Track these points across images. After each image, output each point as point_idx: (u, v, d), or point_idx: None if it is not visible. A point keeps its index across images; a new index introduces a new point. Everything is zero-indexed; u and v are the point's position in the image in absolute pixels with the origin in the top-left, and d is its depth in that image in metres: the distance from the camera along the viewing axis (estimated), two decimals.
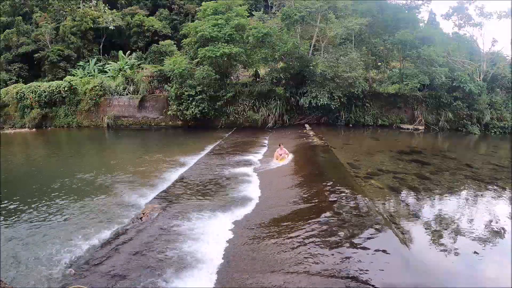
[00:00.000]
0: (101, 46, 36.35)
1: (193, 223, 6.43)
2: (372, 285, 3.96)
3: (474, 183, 9.69)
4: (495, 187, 9.35)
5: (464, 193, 8.98)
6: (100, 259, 5.19)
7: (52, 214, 7.47)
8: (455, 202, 8.08)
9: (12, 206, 8.04)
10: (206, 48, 21.06)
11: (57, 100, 25.83)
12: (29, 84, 27.21)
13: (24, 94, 26.29)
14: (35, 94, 25.91)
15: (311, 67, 21.38)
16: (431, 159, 12.61)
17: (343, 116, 22.10)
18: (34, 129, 25.78)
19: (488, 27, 53.49)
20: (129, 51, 32.51)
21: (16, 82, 30.81)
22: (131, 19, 35.58)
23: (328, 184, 8.00)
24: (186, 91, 21.54)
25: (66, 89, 25.37)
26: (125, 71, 27.02)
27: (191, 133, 21.34)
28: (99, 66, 31.84)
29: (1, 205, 8.06)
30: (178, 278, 4.61)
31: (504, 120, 22.36)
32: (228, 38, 21.38)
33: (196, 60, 22.52)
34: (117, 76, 27.05)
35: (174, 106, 22.44)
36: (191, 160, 12.55)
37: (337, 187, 7.62)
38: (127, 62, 28.94)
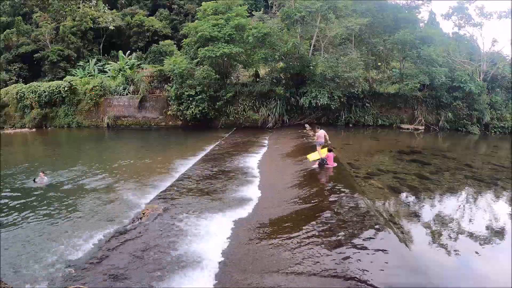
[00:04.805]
0: (101, 46, 36.36)
1: (193, 223, 6.43)
2: (372, 285, 3.96)
3: (474, 183, 9.68)
4: (495, 187, 9.35)
5: (464, 193, 8.98)
6: (100, 259, 5.19)
7: (52, 214, 7.47)
8: (455, 202, 8.08)
9: (11, 207, 8.04)
10: (206, 48, 21.07)
11: (57, 100, 25.85)
12: (29, 84, 27.25)
13: (24, 94, 26.31)
14: (35, 94, 25.92)
15: (311, 67, 21.37)
16: (431, 159, 12.60)
17: (343, 116, 22.10)
18: (34, 129, 25.80)
19: (488, 27, 53.51)
20: (129, 51, 32.53)
21: (16, 82, 30.86)
22: (131, 19, 35.60)
23: (328, 184, 8.00)
24: (186, 91, 21.54)
25: (66, 89, 25.38)
26: (125, 71, 27.03)
27: (191, 133, 21.33)
28: (99, 66, 31.87)
29: (1, 206, 8.06)
30: (178, 278, 4.61)
31: (504, 120, 22.36)
32: (228, 38, 21.38)
33: (196, 60, 22.52)
34: (117, 76, 27.06)
35: (174, 106, 22.45)
36: (191, 160, 12.55)
37: (337, 187, 7.62)
38: (127, 62, 28.94)
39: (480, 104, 21.40)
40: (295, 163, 10.79)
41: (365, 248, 4.83)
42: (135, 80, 25.45)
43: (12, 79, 31.77)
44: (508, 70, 22.62)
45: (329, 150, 9.74)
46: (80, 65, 32.08)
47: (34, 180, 9.87)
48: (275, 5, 34.53)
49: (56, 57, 31.91)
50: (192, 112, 21.57)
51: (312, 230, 5.55)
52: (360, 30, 21.15)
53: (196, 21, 24.68)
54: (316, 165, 9.72)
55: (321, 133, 10.02)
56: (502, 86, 23.04)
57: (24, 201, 8.43)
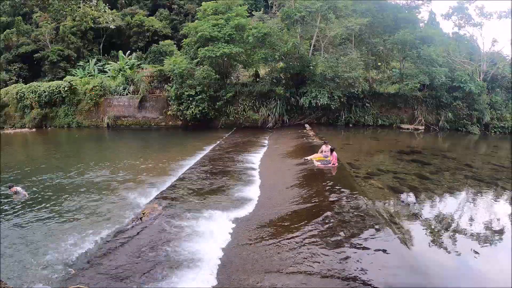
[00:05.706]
0: (101, 46, 36.37)
1: (193, 223, 6.43)
2: (372, 285, 3.96)
3: (474, 183, 9.68)
4: (495, 187, 9.35)
5: (464, 193, 8.98)
6: (100, 259, 5.18)
7: (51, 214, 7.47)
8: (455, 202, 8.08)
9: (11, 206, 8.04)
10: (206, 48, 21.08)
11: (57, 100, 25.86)
12: (29, 84, 27.26)
13: (24, 94, 26.31)
14: (35, 94, 25.93)
15: (311, 67, 21.38)
16: (431, 159, 12.60)
17: (343, 116, 22.11)
18: (34, 129, 25.80)
19: (488, 27, 53.47)
20: (129, 51, 32.54)
21: (16, 82, 30.86)
22: (131, 19, 35.61)
23: (328, 184, 8.00)
24: (186, 91, 21.54)
25: (66, 89, 25.39)
26: (125, 71, 27.04)
27: (191, 133, 21.34)
28: (99, 66, 31.87)
29: (1, 205, 8.06)
30: (177, 278, 4.60)
31: (504, 120, 22.37)
32: (228, 38, 21.39)
33: (196, 60, 22.53)
34: (117, 76, 27.07)
35: (174, 106, 22.46)
36: (191, 160, 12.55)
37: (337, 187, 7.62)
38: (127, 62, 28.96)
39: (480, 104, 21.41)
40: (295, 163, 10.79)
41: (365, 248, 4.84)
42: (135, 80, 25.46)
43: (12, 79, 31.77)
44: (508, 70, 22.64)
45: (332, 150, 9.85)
46: (80, 65, 32.07)
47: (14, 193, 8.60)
48: (275, 5, 34.53)
49: (56, 57, 31.91)
50: (192, 112, 21.57)
51: (312, 230, 5.55)
52: (360, 30, 21.17)
53: (196, 21, 24.70)
54: (320, 165, 9.77)
55: (328, 151, 10.09)
56: (502, 86, 23.06)
57: (24, 201, 8.43)
